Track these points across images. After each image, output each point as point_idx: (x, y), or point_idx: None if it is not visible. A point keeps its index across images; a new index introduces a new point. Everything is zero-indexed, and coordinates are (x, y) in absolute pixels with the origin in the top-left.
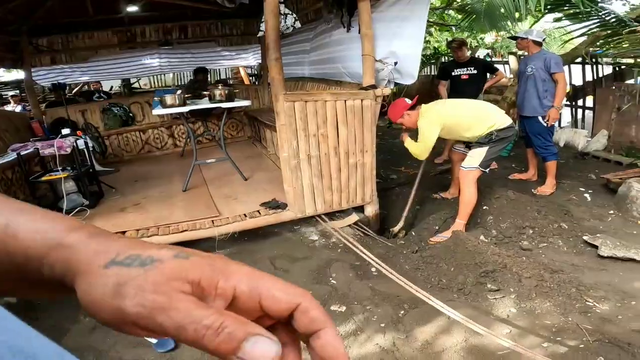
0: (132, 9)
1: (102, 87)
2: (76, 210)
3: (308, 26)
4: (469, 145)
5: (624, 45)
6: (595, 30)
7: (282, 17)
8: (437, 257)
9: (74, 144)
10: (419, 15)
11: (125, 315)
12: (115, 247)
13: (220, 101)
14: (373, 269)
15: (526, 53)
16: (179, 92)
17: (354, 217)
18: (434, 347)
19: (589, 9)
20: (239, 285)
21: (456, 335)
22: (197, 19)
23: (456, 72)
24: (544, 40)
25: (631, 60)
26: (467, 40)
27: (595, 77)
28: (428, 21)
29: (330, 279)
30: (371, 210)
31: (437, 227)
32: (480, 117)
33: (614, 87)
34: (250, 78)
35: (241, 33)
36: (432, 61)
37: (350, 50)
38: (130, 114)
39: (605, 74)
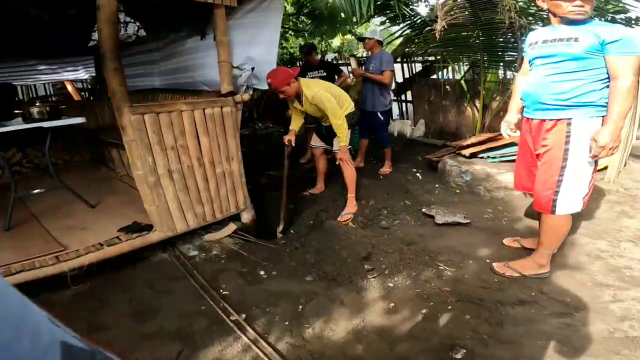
0: None
1: None
2: None
3: (157, 34)
4: (325, 139)
5: (425, 45)
6: (407, 31)
7: (122, 25)
8: (318, 249)
9: None
10: (274, 22)
11: None
12: None
13: (41, 120)
14: (262, 272)
15: (369, 53)
16: None
17: (232, 227)
18: (339, 333)
19: (403, 12)
20: None
21: (354, 318)
22: None
23: (309, 75)
24: (384, 40)
25: (433, 58)
26: (316, 45)
27: (410, 74)
28: (284, 27)
29: (221, 290)
30: (247, 216)
31: (311, 222)
32: (342, 96)
33: (423, 83)
34: (83, 93)
35: (67, 44)
36: (289, 66)
37: (205, 58)
38: None
39: (417, 71)
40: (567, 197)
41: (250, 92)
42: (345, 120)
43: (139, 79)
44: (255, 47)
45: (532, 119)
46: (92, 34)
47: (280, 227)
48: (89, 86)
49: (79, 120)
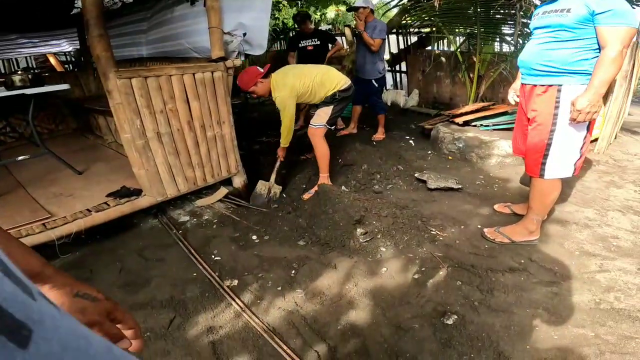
0: None
1: None
2: None
3: (144, 3)
4: (316, 105)
5: (422, 15)
6: (404, 1)
7: None
8: (311, 213)
9: None
10: None
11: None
12: (73, 284)
13: (23, 87)
14: (254, 237)
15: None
16: None
17: (224, 191)
18: (332, 297)
19: None
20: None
21: (347, 283)
22: None
23: (302, 43)
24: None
25: (428, 29)
26: (310, 14)
27: (405, 45)
28: None
29: (213, 256)
30: (239, 181)
31: (304, 186)
32: (324, 81)
33: (418, 54)
34: (66, 66)
35: (49, 16)
36: (282, 36)
37: (195, 24)
38: None
39: (412, 42)
40: (556, 161)
41: (243, 59)
42: (289, 122)
43: (126, 48)
44: (246, 13)
45: (526, 84)
46: (75, 1)
47: (272, 181)
48: (73, 59)
49: (63, 86)
